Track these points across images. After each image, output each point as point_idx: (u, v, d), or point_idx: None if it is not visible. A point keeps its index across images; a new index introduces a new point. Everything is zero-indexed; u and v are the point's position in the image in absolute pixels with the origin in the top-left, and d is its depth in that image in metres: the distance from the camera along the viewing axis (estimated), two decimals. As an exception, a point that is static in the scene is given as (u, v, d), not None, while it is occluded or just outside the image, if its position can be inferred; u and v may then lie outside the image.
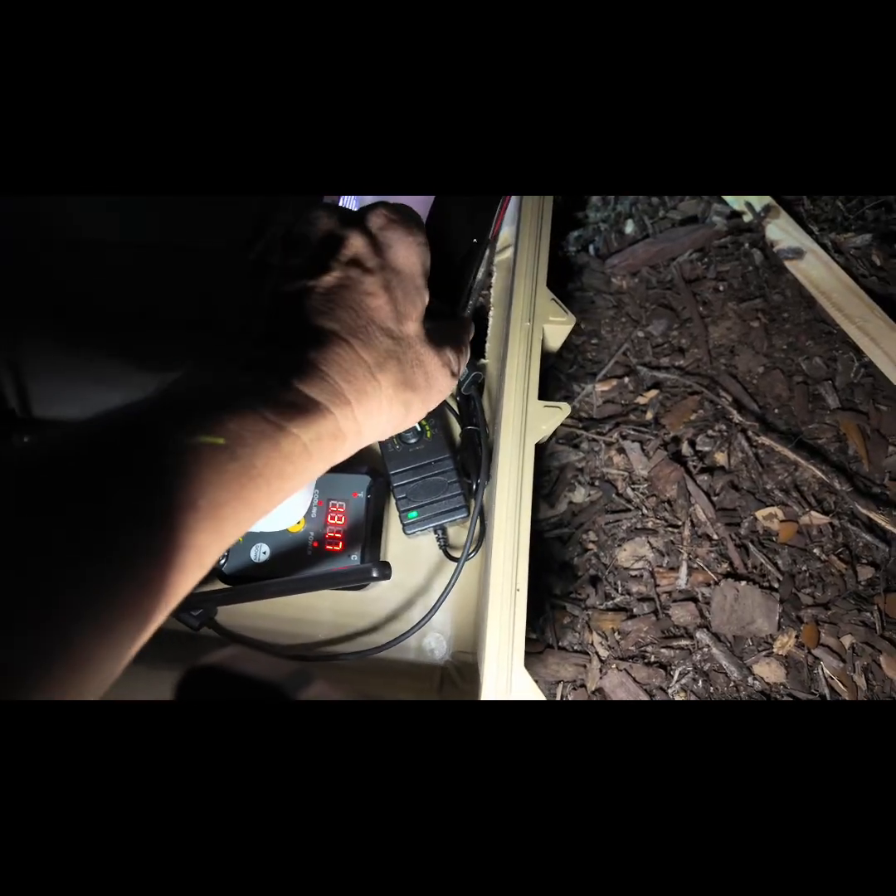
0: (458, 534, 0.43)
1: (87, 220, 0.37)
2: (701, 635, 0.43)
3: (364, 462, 0.45)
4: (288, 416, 0.20)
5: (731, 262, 0.53)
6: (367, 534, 0.40)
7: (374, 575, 0.35)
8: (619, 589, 0.45)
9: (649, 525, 0.46)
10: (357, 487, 0.41)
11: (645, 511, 0.47)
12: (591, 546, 0.46)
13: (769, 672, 0.43)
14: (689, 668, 0.43)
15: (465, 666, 0.39)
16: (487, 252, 0.31)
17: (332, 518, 0.40)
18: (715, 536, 0.45)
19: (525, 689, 0.27)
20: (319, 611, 0.43)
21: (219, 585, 0.39)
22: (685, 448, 0.48)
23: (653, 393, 0.50)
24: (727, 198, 0.56)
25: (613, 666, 0.42)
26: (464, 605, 0.42)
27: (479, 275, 0.30)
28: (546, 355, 0.37)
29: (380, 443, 0.43)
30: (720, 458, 0.47)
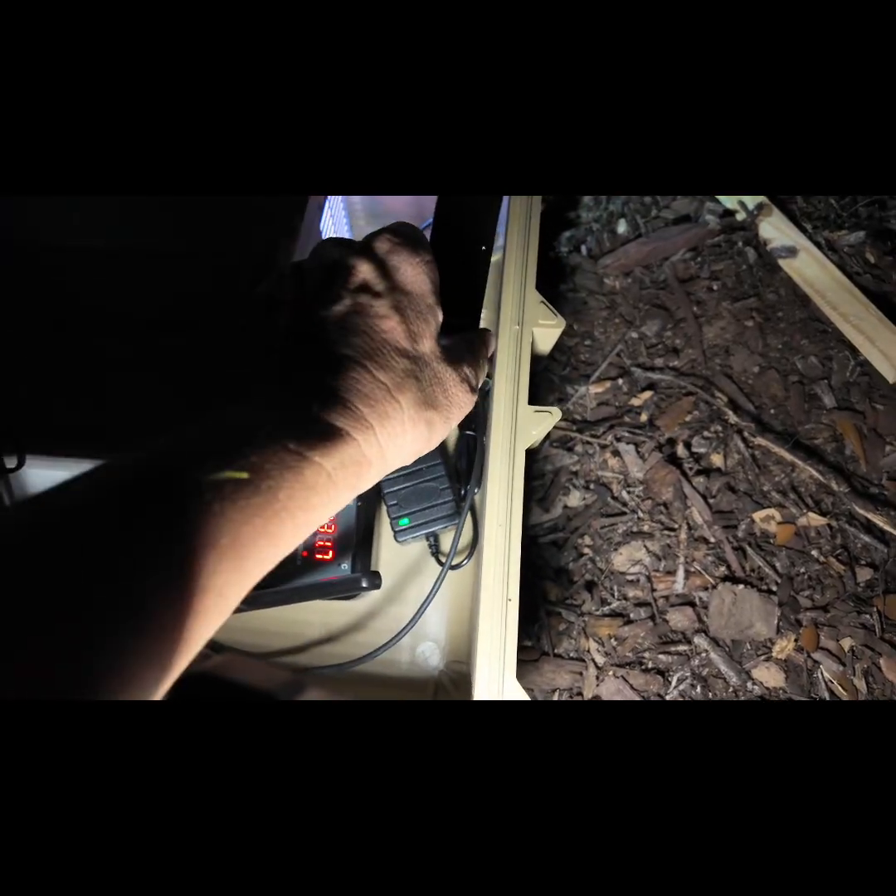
0: (451, 540, 0.42)
1: (87, 226, 0.36)
2: (699, 640, 0.43)
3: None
4: (310, 444, 0.19)
5: (725, 261, 0.53)
6: (358, 541, 0.39)
7: (364, 585, 0.34)
8: (616, 594, 0.44)
9: (645, 528, 0.46)
10: (347, 495, 0.40)
11: (640, 514, 0.46)
12: (586, 551, 0.46)
13: (768, 676, 0.42)
14: (688, 674, 0.42)
15: (460, 676, 0.38)
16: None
17: (322, 527, 0.39)
18: (712, 539, 0.45)
19: (517, 697, 0.26)
20: (309, 621, 0.42)
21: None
22: (680, 450, 0.47)
23: (647, 394, 0.49)
24: (720, 196, 0.56)
25: (610, 673, 0.42)
26: (458, 613, 0.41)
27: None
28: (538, 358, 0.36)
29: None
30: (716, 459, 0.47)
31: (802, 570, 0.44)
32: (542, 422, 0.30)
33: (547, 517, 0.47)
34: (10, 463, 0.27)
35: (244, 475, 0.18)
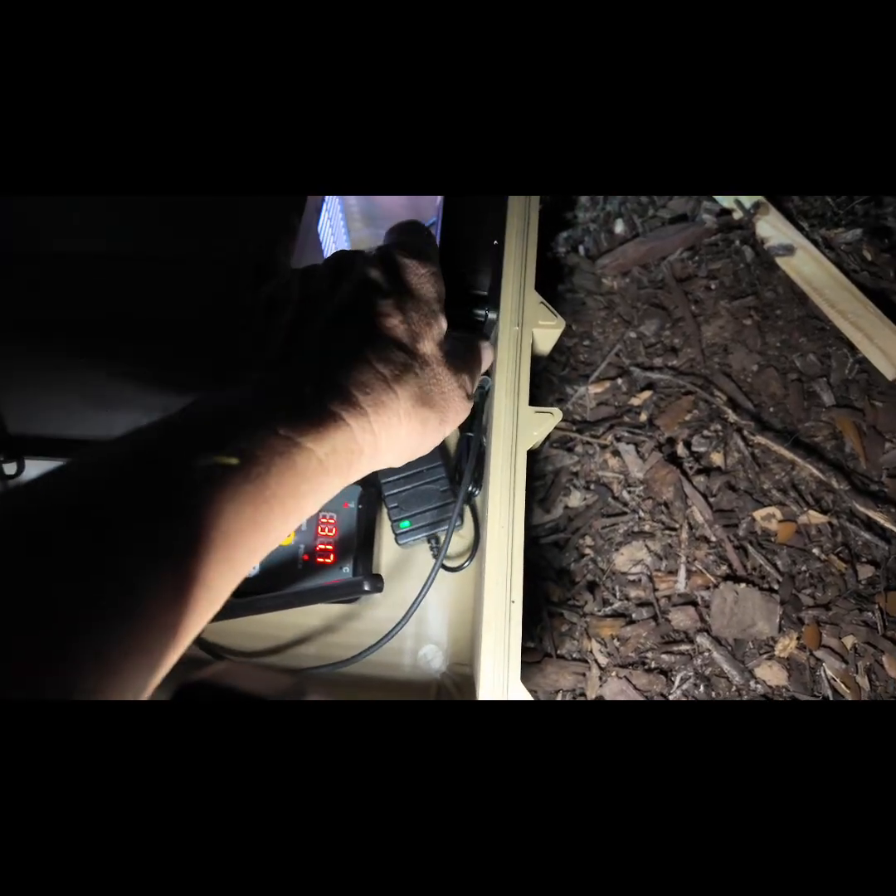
0: (453, 542, 0.42)
1: (84, 229, 0.36)
2: (701, 639, 0.43)
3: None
4: (301, 429, 0.19)
5: (722, 260, 0.53)
6: (359, 545, 0.39)
7: (366, 588, 0.34)
8: (618, 594, 0.44)
9: (646, 528, 0.46)
10: (347, 497, 0.40)
11: (641, 514, 0.46)
12: (587, 551, 0.46)
13: (771, 675, 0.42)
14: (691, 674, 0.42)
15: (463, 679, 0.38)
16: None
17: (323, 529, 0.39)
18: (713, 538, 0.45)
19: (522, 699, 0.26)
20: (310, 624, 0.42)
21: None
22: (680, 449, 0.47)
23: (646, 394, 0.49)
24: (717, 196, 0.56)
25: (613, 673, 0.42)
26: (460, 616, 0.41)
27: None
28: (538, 358, 0.36)
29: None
30: (716, 458, 0.47)
31: (804, 568, 0.44)
32: (543, 423, 0.30)
33: (548, 518, 0.47)
34: (10, 469, 0.26)
35: (234, 461, 0.18)
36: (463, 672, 0.39)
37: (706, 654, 0.42)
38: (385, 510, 0.41)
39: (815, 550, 0.45)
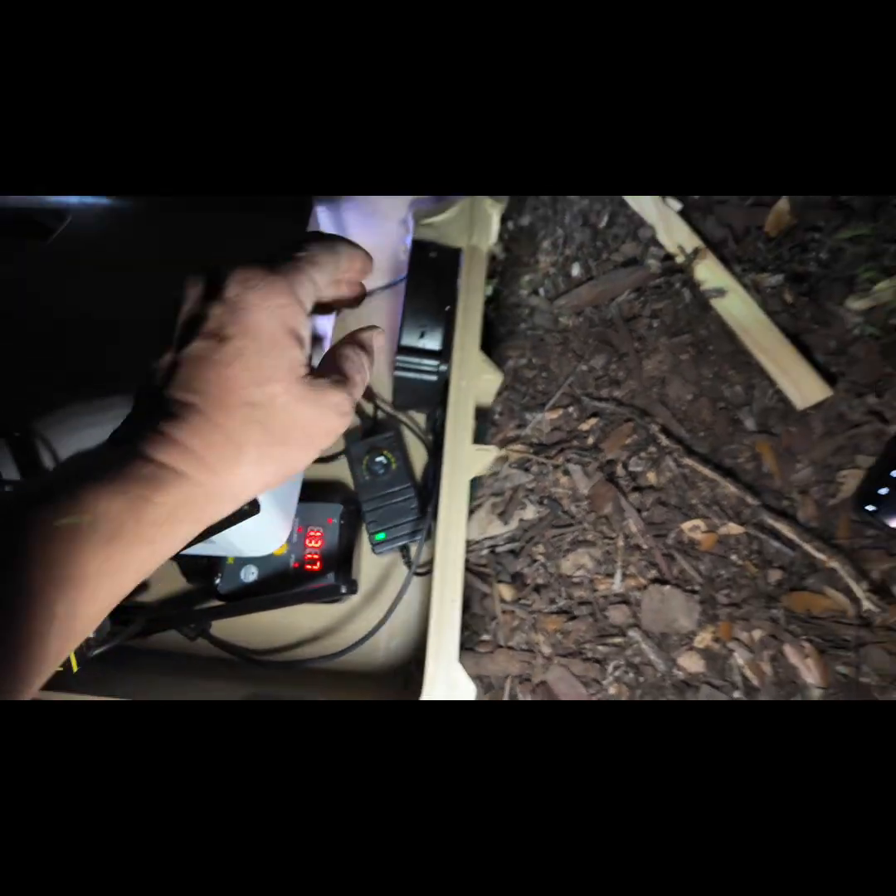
0: (420, 551, 0.50)
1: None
2: (632, 633, 0.50)
3: (339, 492, 0.52)
4: (146, 485, 0.21)
5: (664, 301, 0.60)
6: (340, 554, 0.47)
7: (343, 591, 0.41)
8: (563, 594, 0.52)
9: (589, 538, 0.53)
10: (331, 514, 0.48)
11: (586, 525, 0.54)
12: (539, 557, 0.53)
13: (691, 663, 0.50)
14: (622, 662, 0.50)
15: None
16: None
17: (311, 542, 0.47)
18: (645, 546, 0.52)
19: (459, 678, 0.34)
20: (300, 623, 0.50)
21: (214, 603, 0.46)
22: (620, 469, 0.55)
23: (593, 421, 0.57)
24: (662, 240, 0.63)
25: (555, 661, 0.49)
26: (424, 612, 0.49)
27: None
28: (481, 408, 0.44)
29: (352, 474, 0.50)
30: (651, 477, 0.54)
31: (722, 572, 0.52)
32: (482, 457, 0.38)
33: (505, 529, 0.55)
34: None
35: (79, 519, 0.20)
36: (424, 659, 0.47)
37: (636, 645, 0.50)
38: (364, 525, 0.49)
39: (733, 556, 0.52)
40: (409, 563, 0.50)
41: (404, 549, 0.50)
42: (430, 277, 0.40)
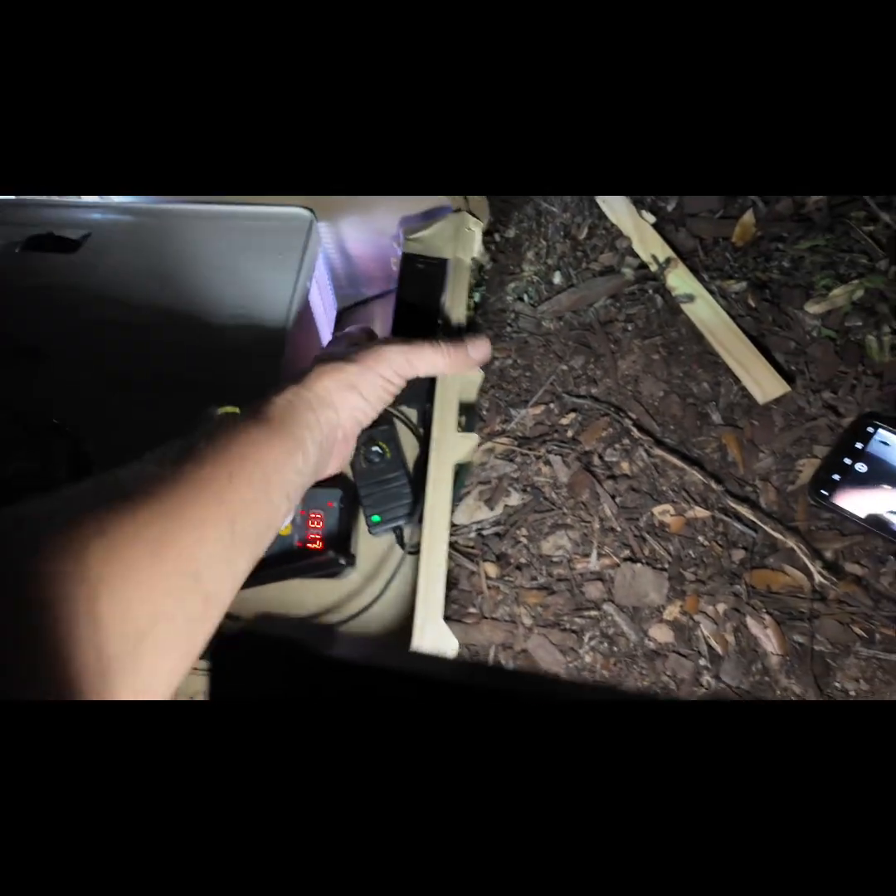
0: (413, 533, 0.55)
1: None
2: (607, 607, 0.55)
3: (339, 479, 0.57)
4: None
5: (638, 306, 0.66)
6: (339, 534, 0.52)
7: (341, 562, 0.47)
8: (543, 572, 0.57)
9: (568, 521, 0.58)
10: (331, 498, 0.53)
11: (565, 510, 0.59)
12: (522, 539, 0.58)
13: (660, 634, 0.54)
14: (597, 633, 0.54)
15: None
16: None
17: (313, 523, 0.52)
18: (618, 529, 0.57)
19: (443, 631, 0.39)
20: (304, 599, 0.55)
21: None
22: (596, 460, 0.60)
23: (572, 415, 0.62)
24: (637, 251, 0.68)
25: (536, 632, 0.54)
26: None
27: None
28: (464, 404, 0.49)
29: (351, 463, 0.55)
30: (624, 466, 0.59)
31: (690, 552, 0.57)
32: (465, 444, 0.43)
33: (491, 514, 0.60)
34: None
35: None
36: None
37: (610, 618, 0.55)
38: (361, 509, 0.54)
39: (700, 538, 0.57)
40: (402, 544, 0.55)
41: (398, 531, 0.55)
42: (417, 287, 0.45)
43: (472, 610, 0.56)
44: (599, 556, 0.57)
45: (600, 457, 0.60)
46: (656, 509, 0.58)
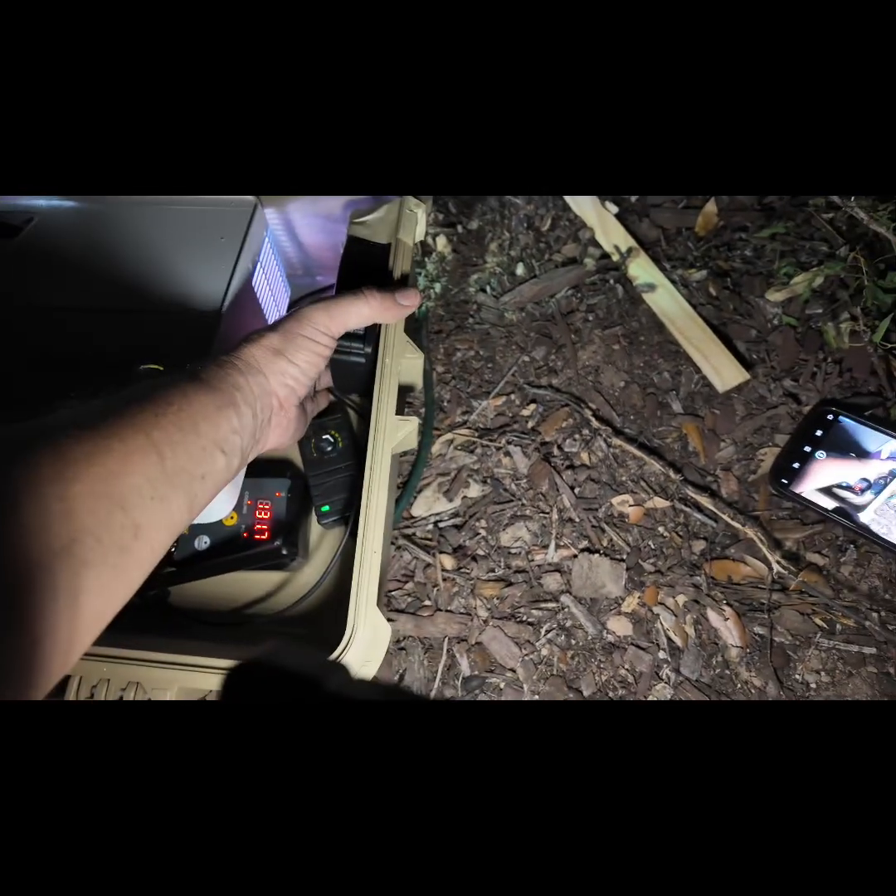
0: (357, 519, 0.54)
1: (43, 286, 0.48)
2: (564, 599, 0.54)
3: (288, 469, 0.56)
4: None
5: (599, 296, 0.65)
6: (287, 525, 0.51)
7: (284, 553, 0.45)
8: (501, 564, 0.56)
9: (527, 512, 0.57)
10: (280, 488, 0.52)
11: (524, 502, 0.58)
12: (481, 531, 0.57)
13: (619, 627, 0.53)
14: (555, 626, 0.53)
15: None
16: None
17: (260, 513, 0.51)
18: (577, 519, 0.56)
19: (377, 620, 0.37)
20: (251, 591, 0.53)
21: (170, 570, 0.50)
22: (555, 451, 0.59)
23: (533, 406, 0.61)
24: (600, 241, 0.68)
25: (491, 624, 0.53)
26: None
27: None
28: (405, 386, 0.48)
29: (301, 452, 0.54)
30: (584, 457, 0.58)
31: (650, 543, 0.56)
32: (404, 427, 0.42)
33: (450, 506, 0.59)
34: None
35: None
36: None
37: (567, 609, 0.54)
38: (312, 499, 0.53)
39: (660, 529, 0.56)
40: (354, 535, 0.54)
41: (347, 521, 0.54)
42: (358, 270, 0.45)
43: (427, 603, 0.54)
44: (557, 547, 0.56)
45: (560, 447, 0.59)
46: (615, 500, 0.57)
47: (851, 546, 0.52)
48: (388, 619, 0.42)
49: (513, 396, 0.62)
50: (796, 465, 0.54)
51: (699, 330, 0.61)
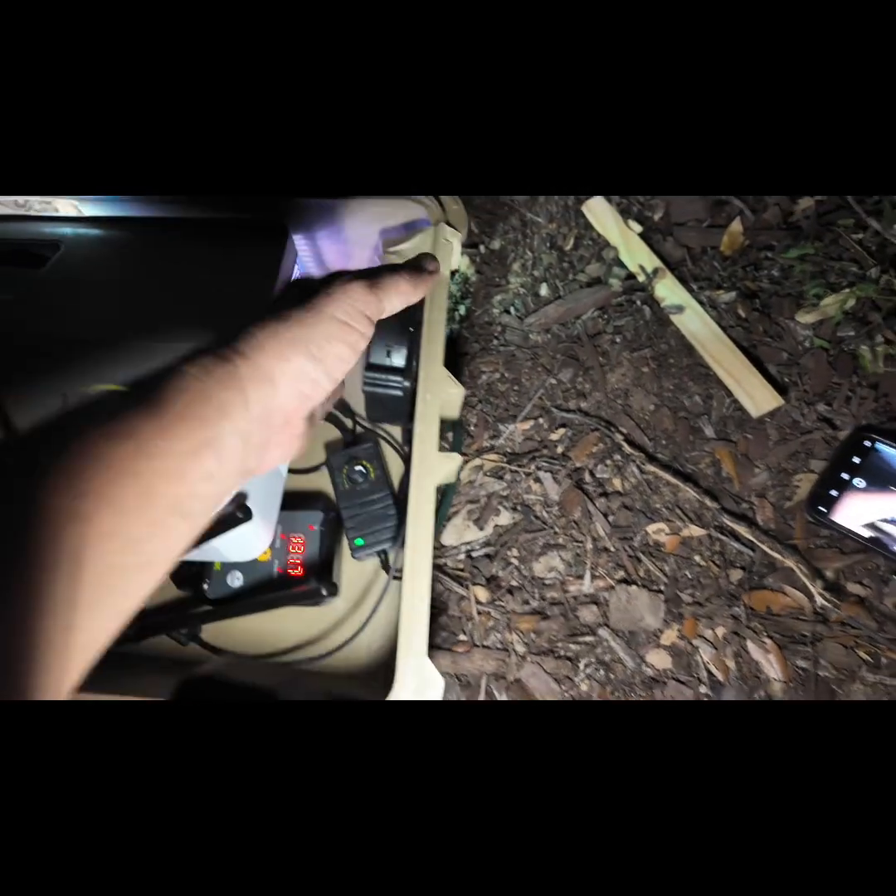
0: (399, 556, 0.53)
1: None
2: (602, 632, 0.53)
3: (320, 501, 0.54)
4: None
5: (626, 318, 0.64)
6: (321, 560, 0.49)
7: (323, 592, 0.44)
8: (536, 595, 0.54)
9: (560, 541, 0.56)
10: (312, 522, 0.50)
11: (556, 530, 0.56)
12: (513, 560, 0.56)
13: (658, 660, 0.52)
14: (593, 660, 0.52)
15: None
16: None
17: (293, 548, 0.49)
18: (612, 549, 0.55)
19: (428, 672, 0.36)
20: (287, 627, 0.52)
21: (204, 608, 0.48)
22: (587, 476, 0.58)
23: (562, 431, 0.60)
24: (625, 261, 0.67)
25: (529, 660, 0.52)
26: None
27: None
28: (450, 419, 0.47)
29: (333, 484, 0.53)
30: (616, 483, 0.57)
31: (686, 572, 0.54)
32: (448, 464, 0.41)
33: (481, 534, 0.57)
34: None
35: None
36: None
37: (605, 643, 0.52)
38: (344, 532, 0.52)
39: (696, 558, 0.55)
40: (387, 568, 0.52)
41: (383, 554, 0.52)
42: None
43: (462, 637, 0.53)
44: (593, 577, 0.55)
45: (591, 473, 0.58)
46: (650, 528, 0.56)
47: (894, 576, 0.52)
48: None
49: (541, 420, 0.61)
50: (834, 492, 0.53)
51: (730, 353, 0.60)
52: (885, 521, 0.52)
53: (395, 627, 0.52)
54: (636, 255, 0.67)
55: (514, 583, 0.55)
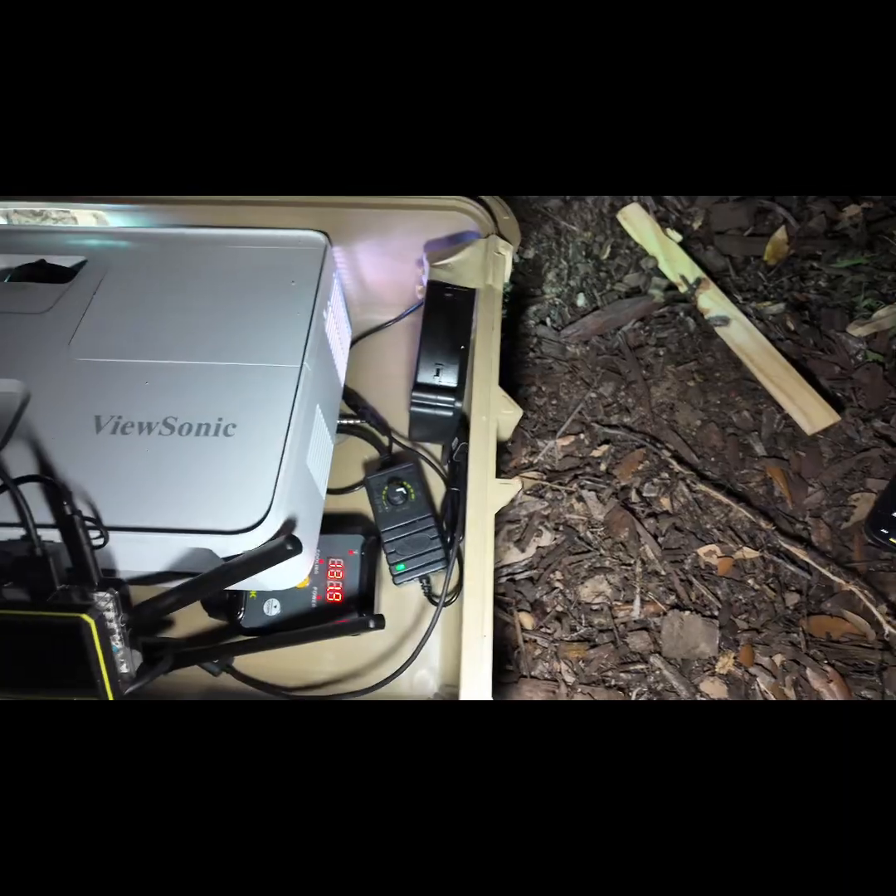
0: (440, 581, 0.50)
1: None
2: (654, 660, 0.50)
3: (359, 524, 0.52)
4: None
5: (669, 330, 0.62)
6: (362, 587, 0.47)
7: (371, 626, 0.41)
8: (583, 622, 0.52)
9: (607, 564, 0.54)
10: (352, 546, 0.48)
11: (603, 552, 0.54)
12: (557, 584, 0.54)
13: (713, 689, 0.50)
14: (645, 690, 0.50)
15: (452, 696, 0.46)
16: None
17: (332, 574, 0.47)
18: (663, 572, 0.53)
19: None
20: (323, 656, 0.49)
21: (238, 638, 0.45)
22: (634, 495, 0.55)
23: (605, 447, 0.58)
24: (664, 271, 0.65)
25: (578, 690, 0.49)
26: (448, 641, 0.49)
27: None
28: (503, 441, 0.45)
29: (372, 505, 0.50)
30: (664, 502, 0.55)
31: (740, 596, 0.52)
32: (506, 491, 0.38)
33: (523, 556, 0.55)
34: (97, 541, 0.34)
35: None
36: (452, 692, 0.47)
37: (658, 672, 0.50)
38: (384, 555, 0.49)
39: (750, 581, 0.52)
40: (430, 594, 0.50)
41: (424, 580, 0.50)
42: (445, 317, 0.41)
43: (508, 667, 0.50)
44: (643, 602, 0.52)
45: (638, 492, 0.56)
46: (702, 550, 0.53)
47: (962, 602, 0.49)
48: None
49: (582, 436, 0.59)
50: None
51: (780, 367, 0.58)
52: (952, 544, 0.49)
53: (438, 656, 0.50)
54: (677, 264, 0.64)
55: (559, 608, 0.53)
